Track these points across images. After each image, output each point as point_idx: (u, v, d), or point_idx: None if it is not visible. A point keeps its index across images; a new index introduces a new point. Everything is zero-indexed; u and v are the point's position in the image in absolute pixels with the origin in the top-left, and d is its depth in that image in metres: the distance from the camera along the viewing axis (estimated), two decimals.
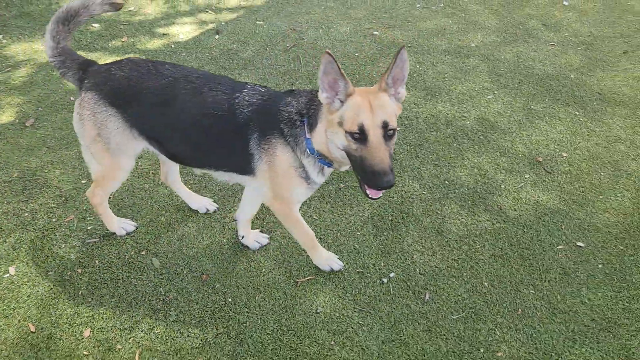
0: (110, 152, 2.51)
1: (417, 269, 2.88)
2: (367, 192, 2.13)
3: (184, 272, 2.84)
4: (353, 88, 2.10)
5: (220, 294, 2.74)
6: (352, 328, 2.60)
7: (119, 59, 2.55)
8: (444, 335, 2.57)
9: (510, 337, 2.56)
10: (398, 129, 2.16)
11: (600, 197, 3.33)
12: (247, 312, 2.66)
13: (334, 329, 2.59)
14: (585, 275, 2.86)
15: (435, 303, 2.71)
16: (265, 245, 2.97)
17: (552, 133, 3.84)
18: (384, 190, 2.16)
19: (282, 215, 2.58)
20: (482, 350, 2.51)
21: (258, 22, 5.18)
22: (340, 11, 5.41)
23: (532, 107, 4.11)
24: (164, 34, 4.94)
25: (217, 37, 4.92)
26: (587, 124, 3.94)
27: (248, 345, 2.52)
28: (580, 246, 3.01)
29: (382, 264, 2.90)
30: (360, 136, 2.04)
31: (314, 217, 3.16)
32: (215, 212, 3.19)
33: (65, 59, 2.48)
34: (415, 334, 2.57)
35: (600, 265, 2.91)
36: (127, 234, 3.01)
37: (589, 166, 3.56)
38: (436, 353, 2.50)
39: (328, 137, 2.16)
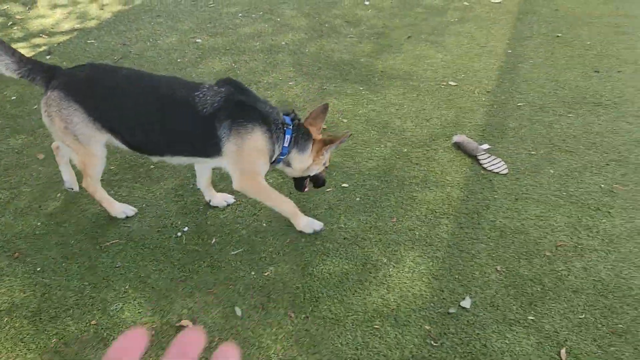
0: (81, 142, 2.89)
1: (209, 222, 3.42)
2: (306, 189, 3.32)
3: None
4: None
5: (30, 265, 3.12)
6: (146, 274, 3.08)
7: None
8: (224, 267, 3.11)
9: (278, 260, 3.16)
10: None
11: (368, 149, 4.07)
12: (53, 276, 3.06)
13: (130, 277, 3.06)
14: (345, 207, 3.54)
15: (219, 245, 3.26)
16: (231, 204, 3.54)
17: (338, 105, 4.58)
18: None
19: (254, 189, 3.08)
20: (253, 273, 3.08)
21: (90, 41, 5.59)
22: (168, 25, 5.96)
23: (325, 87, 4.85)
24: None
25: (48, 57, 5.28)
26: (368, 96, 4.73)
27: (52, 301, 2.92)
28: (344, 186, 3.70)
29: (179, 222, 3.42)
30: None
31: (123, 194, 3.62)
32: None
33: (32, 67, 2.83)
34: (200, 270, 3.10)
35: (358, 199, 3.60)
36: (127, 217, 3.41)
37: (363, 127, 4.32)
38: (215, 281, 3.03)
39: (311, 167, 3.15)
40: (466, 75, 5.05)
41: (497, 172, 3.80)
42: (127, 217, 3.45)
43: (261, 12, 6.30)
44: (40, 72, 2.85)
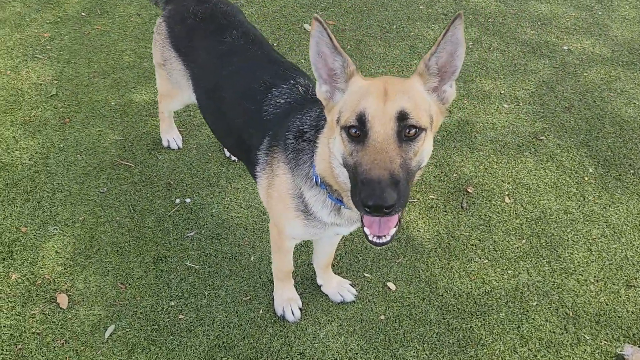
0: (170, 83, 2.49)
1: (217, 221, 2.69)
2: (365, 229, 1.44)
3: None
4: (354, 67, 1.50)
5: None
6: (106, 230, 2.62)
7: None
8: None
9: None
10: (425, 131, 1.40)
11: (518, 263, 2.52)
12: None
13: (88, 208, 2.67)
14: (357, 320, 2.31)
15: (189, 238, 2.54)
16: (348, 302, 2.35)
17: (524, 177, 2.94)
18: (390, 229, 1.43)
19: (273, 243, 2.12)
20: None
21: None
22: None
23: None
24: None
25: None
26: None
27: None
28: (389, 287, 2.41)
29: (190, 191, 2.78)
30: (359, 132, 1.38)
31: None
32: None
33: None
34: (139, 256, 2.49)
35: (382, 317, 2.30)
36: (169, 147, 2.99)
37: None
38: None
39: (330, 151, 1.53)
40: None
41: None
42: (168, 146, 2.98)
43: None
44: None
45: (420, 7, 4.25)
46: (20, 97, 3.25)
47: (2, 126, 3.05)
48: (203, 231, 2.59)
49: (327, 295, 2.37)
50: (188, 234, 2.57)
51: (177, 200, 2.72)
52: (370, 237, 1.43)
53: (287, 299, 2.29)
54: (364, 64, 3.65)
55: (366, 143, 1.36)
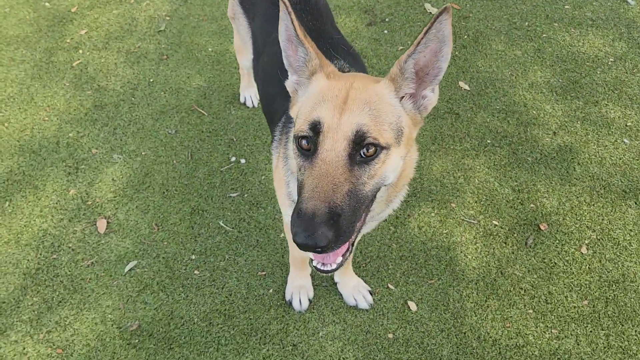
0: (240, 38, 2.42)
1: (262, 189, 2.65)
2: (311, 256, 1.32)
3: None
4: (320, 61, 1.32)
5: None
6: (163, 169, 2.72)
7: None
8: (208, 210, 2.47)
9: None
10: (387, 150, 1.21)
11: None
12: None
13: (150, 145, 2.77)
14: (371, 346, 2.16)
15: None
16: (363, 309, 2.21)
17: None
18: (337, 257, 1.30)
19: (284, 227, 2.00)
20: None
21: None
22: None
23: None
24: None
25: None
26: None
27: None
28: (411, 309, 2.21)
29: (241, 156, 2.76)
30: (309, 146, 1.22)
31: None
32: None
33: None
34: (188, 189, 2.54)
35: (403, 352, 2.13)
36: (244, 104, 2.98)
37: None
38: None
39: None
40: None
41: None
42: (244, 103, 2.99)
43: None
44: None
45: (566, 6, 3.72)
46: (133, 27, 3.44)
47: (110, 51, 3.27)
48: (245, 195, 2.57)
49: (341, 294, 2.24)
50: (231, 194, 2.57)
51: (233, 159, 2.72)
52: (314, 263, 1.32)
53: (298, 286, 2.20)
54: (475, 60, 3.30)
55: (314, 161, 1.20)
